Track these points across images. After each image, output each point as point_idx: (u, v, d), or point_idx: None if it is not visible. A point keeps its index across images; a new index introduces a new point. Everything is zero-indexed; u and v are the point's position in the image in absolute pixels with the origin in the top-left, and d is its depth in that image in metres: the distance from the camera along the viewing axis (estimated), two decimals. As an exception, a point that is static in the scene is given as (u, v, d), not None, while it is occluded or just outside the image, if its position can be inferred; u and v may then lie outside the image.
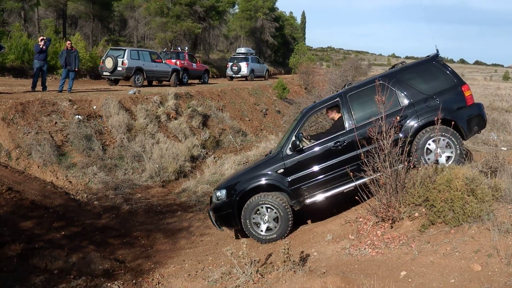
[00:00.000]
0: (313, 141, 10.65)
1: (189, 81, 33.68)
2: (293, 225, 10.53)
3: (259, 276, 7.97)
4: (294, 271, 7.61)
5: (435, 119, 8.80)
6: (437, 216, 7.90)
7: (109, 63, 26.74)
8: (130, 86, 26.55)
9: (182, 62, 33.44)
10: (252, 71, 42.56)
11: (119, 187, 16.32)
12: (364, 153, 9.09)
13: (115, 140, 18.82)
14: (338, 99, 10.49)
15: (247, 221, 10.46)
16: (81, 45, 34.07)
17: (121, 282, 9.13)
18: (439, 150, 9.57)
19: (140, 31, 57.26)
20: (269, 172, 10.46)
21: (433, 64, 10.37)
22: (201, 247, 11.46)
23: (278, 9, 77.36)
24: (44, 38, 21.98)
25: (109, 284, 9.01)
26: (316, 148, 10.32)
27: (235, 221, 10.70)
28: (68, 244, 11.67)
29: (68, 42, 22.95)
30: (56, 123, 17.82)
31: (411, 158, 9.41)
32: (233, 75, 42.06)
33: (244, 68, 41.83)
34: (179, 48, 37.31)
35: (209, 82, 36.71)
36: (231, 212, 10.62)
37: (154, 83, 30.67)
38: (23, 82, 26.75)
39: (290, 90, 39.17)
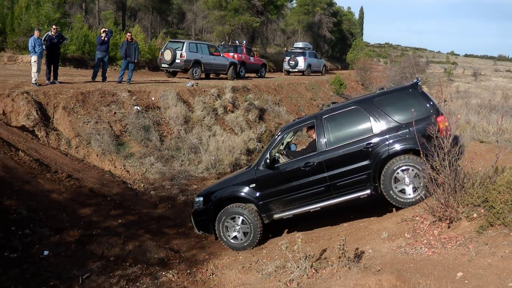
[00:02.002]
0: (290, 158, 10.88)
1: (246, 75, 33.68)
2: (348, 221, 10.45)
3: (313, 271, 7.89)
4: (349, 267, 7.52)
5: (405, 149, 9.42)
6: (496, 218, 7.69)
7: (167, 55, 26.97)
8: (187, 78, 26.70)
9: (240, 55, 33.49)
10: (309, 66, 42.26)
11: (175, 177, 16.48)
12: (330, 177, 9.88)
13: (173, 132, 19.02)
14: (314, 120, 10.54)
15: (220, 228, 10.92)
16: (141, 37, 34.45)
17: (176, 272, 9.20)
18: (407, 180, 9.61)
19: (198, 24, 57.71)
20: (242, 186, 10.79)
21: (411, 92, 10.14)
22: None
23: (336, 4, 76.84)
24: (106, 29, 22.35)
25: (164, 273, 9.09)
26: (288, 167, 10.57)
27: (210, 227, 11.15)
28: (124, 232, 11.87)
29: (129, 34, 23.26)
30: (115, 113, 18.11)
31: (379, 185, 9.74)
32: (290, 70, 41.89)
33: (301, 62, 41.57)
34: (237, 42, 37.43)
35: (266, 76, 36.66)
36: (206, 218, 11.11)
37: (211, 76, 30.78)
38: (83, 72, 27.24)
39: (347, 86, 38.84)
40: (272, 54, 58.06)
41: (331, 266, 7.82)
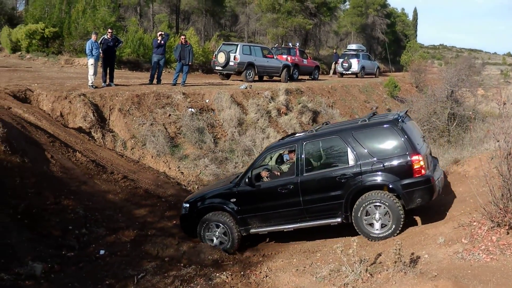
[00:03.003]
0: (268, 175, 11.36)
1: (299, 77, 33.55)
2: (404, 226, 10.30)
3: (368, 275, 7.79)
4: (405, 272, 7.38)
5: (378, 185, 9.89)
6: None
7: (221, 58, 27.07)
8: (241, 80, 26.78)
9: (293, 58, 33.39)
10: (362, 68, 41.82)
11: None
12: (304, 201, 10.41)
13: (226, 134, 19.08)
14: (295, 145, 10.89)
15: (202, 237, 11.45)
16: (194, 40, 34.70)
17: (230, 273, 9.19)
18: (377, 216, 9.91)
19: (251, 26, 57.80)
20: (224, 199, 11.33)
21: (390, 128, 10.18)
22: (310, 243, 11.34)
23: (389, 5, 75.92)
24: (162, 33, 22.58)
25: (217, 274, 9.09)
26: (266, 187, 11.06)
27: (195, 231, 11.62)
28: (179, 233, 11.98)
29: (183, 36, 23.41)
30: (170, 115, 18.28)
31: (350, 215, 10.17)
32: (344, 72, 41.55)
33: (355, 65, 41.19)
34: (290, 44, 37.35)
35: (319, 78, 36.47)
36: (190, 222, 11.67)
37: (264, 78, 30.78)
38: (138, 75, 27.61)
39: (401, 88, 38.33)
40: (325, 56, 57.71)
41: (386, 270, 7.71)
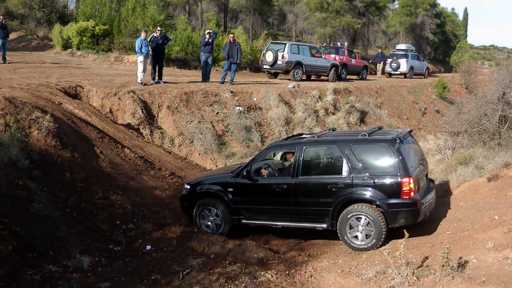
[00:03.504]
0: (267, 172, 11.68)
1: (347, 77, 33.28)
2: (452, 229, 10.12)
3: (415, 278, 7.66)
4: (452, 276, 7.24)
5: (365, 200, 10.22)
6: None
7: (269, 57, 26.98)
8: (289, 79, 26.65)
9: (341, 57, 33.09)
10: (411, 68, 41.10)
11: (276, 178, 16.47)
12: (295, 202, 10.85)
13: (274, 133, 19.02)
14: (295, 147, 11.23)
15: (196, 218, 11.91)
16: (243, 39, 34.73)
17: (274, 272, 9.11)
18: (360, 228, 10.23)
19: (299, 25, 57.62)
20: (222, 188, 11.69)
21: (386, 147, 10.35)
22: (356, 244, 11.23)
23: (439, 5, 74.60)
24: (210, 31, 22.67)
25: (262, 273, 9.02)
26: (262, 184, 11.40)
27: (191, 213, 12.04)
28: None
29: (231, 35, 23.46)
30: (217, 113, 18.32)
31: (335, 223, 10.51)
32: (392, 72, 41.03)
33: (403, 65, 40.60)
34: (338, 43, 37.04)
35: (367, 78, 36.12)
36: (189, 203, 12.04)
37: (312, 77, 30.63)
38: (186, 72, 27.81)
39: (451, 89, 37.65)
40: (373, 56, 57.31)
41: (434, 274, 7.57)
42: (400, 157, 10.06)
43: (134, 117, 16.79)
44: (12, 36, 35.51)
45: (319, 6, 47.06)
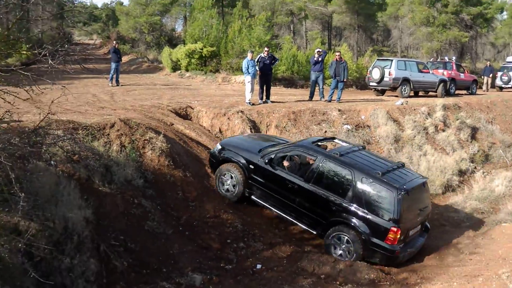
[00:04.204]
0: (288, 165, 12.71)
1: (456, 92, 32.36)
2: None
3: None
4: None
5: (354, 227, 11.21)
6: None
7: (376, 74, 26.71)
8: (396, 96, 26.25)
9: (450, 72, 32.24)
10: (525, 81, 39.47)
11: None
12: (298, 202, 11.95)
13: (383, 151, 18.74)
14: (317, 157, 12.17)
15: (217, 178, 13.30)
16: (348, 56, 34.57)
17: (386, 293, 8.98)
18: (343, 246, 11.37)
19: (404, 41, 56.75)
20: (246, 162, 12.82)
21: (390, 193, 11.00)
22: (471, 267, 10.79)
23: (553, 14, 71.51)
24: (320, 50, 22.71)
25: (378, 294, 8.90)
26: (278, 174, 12.39)
27: (214, 170, 13.51)
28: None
29: (337, 53, 23.38)
30: (325, 132, 18.25)
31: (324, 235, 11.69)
32: (503, 86, 39.45)
33: (516, 78, 38.99)
34: (446, 58, 36.13)
35: (476, 93, 34.94)
36: (215, 162, 13.50)
37: (420, 93, 30.01)
38: (293, 91, 27.95)
39: None
40: (482, 69, 55.51)
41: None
42: (398, 208, 10.84)
43: (242, 136, 17.05)
44: (124, 59, 37.05)
45: (425, 20, 46.15)
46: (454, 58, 36.36)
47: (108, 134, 12.90)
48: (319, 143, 13.29)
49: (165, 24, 51.80)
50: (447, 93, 29.87)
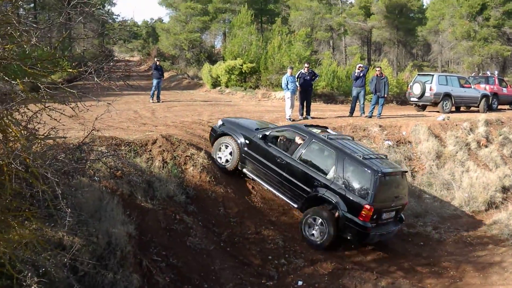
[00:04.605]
0: (281, 141, 13.98)
1: (499, 107, 31.93)
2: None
3: None
4: None
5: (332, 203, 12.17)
6: None
7: (416, 89, 26.55)
8: (437, 112, 26.05)
9: (492, 86, 31.84)
10: None
11: (427, 214, 16.03)
12: (284, 177, 12.90)
13: (424, 167, 18.58)
14: (307, 137, 13.17)
15: (215, 147, 14.46)
16: (388, 71, 34.43)
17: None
18: (316, 227, 12.29)
19: (445, 55, 56.25)
20: (243, 137, 13.94)
21: (368, 175, 12.00)
22: (517, 286, 10.68)
23: None
24: (361, 65, 22.78)
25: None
26: (270, 150, 13.42)
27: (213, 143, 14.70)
28: (376, 267, 11.86)
29: (378, 68, 23.29)
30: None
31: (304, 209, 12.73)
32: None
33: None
34: (488, 72, 35.71)
35: (521, 108, 34.45)
36: (214, 136, 14.70)
37: (461, 108, 29.70)
38: (333, 107, 27.96)
39: None
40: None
41: None
42: (374, 188, 11.78)
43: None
44: (165, 75, 37.42)
45: (466, 34, 45.66)
46: (496, 72, 35.87)
47: (150, 150, 13.12)
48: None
49: (204, 40, 52.40)
50: (490, 108, 29.50)
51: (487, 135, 22.20)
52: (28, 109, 6.64)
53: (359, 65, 22.98)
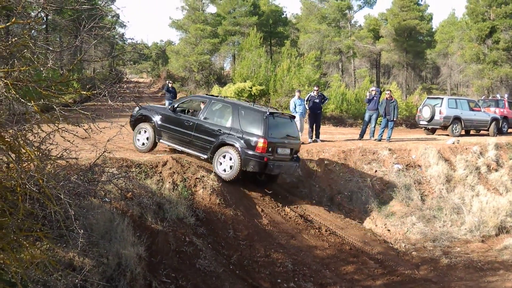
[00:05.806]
0: (188, 111, 16.23)
1: (509, 130, 31.81)
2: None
3: None
4: None
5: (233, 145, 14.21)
6: None
7: (426, 112, 26.53)
8: (447, 135, 25.99)
9: (502, 110, 31.74)
10: None
11: (437, 239, 15.95)
12: (193, 136, 14.81)
13: (434, 191, 18.50)
14: (207, 100, 15.76)
15: (135, 132, 16.11)
16: (397, 94, 34.51)
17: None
18: (226, 163, 14.23)
19: (454, 78, 56.31)
20: (158, 114, 15.77)
21: (259, 116, 14.40)
22: None
23: None
24: (374, 88, 22.81)
25: None
26: (178, 117, 15.42)
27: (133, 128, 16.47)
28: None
29: (388, 92, 23.29)
30: (376, 171, 18.18)
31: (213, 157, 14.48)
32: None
33: None
34: (497, 96, 35.65)
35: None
36: (134, 121, 16.36)
37: (471, 132, 29.62)
38: (342, 130, 27.98)
39: None
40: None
41: None
42: (265, 126, 14.07)
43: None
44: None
45: (475, 57, 45.69)
46: (506, 95, 35.78)
47: (161, 172, 13.19)
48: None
49: (214, 62, 52.71)
50: (500, 132, 29.41)
51: (497, 159, 22.09)
52: (42, 130, 6.68)
53: (372, 88, 23.01)
